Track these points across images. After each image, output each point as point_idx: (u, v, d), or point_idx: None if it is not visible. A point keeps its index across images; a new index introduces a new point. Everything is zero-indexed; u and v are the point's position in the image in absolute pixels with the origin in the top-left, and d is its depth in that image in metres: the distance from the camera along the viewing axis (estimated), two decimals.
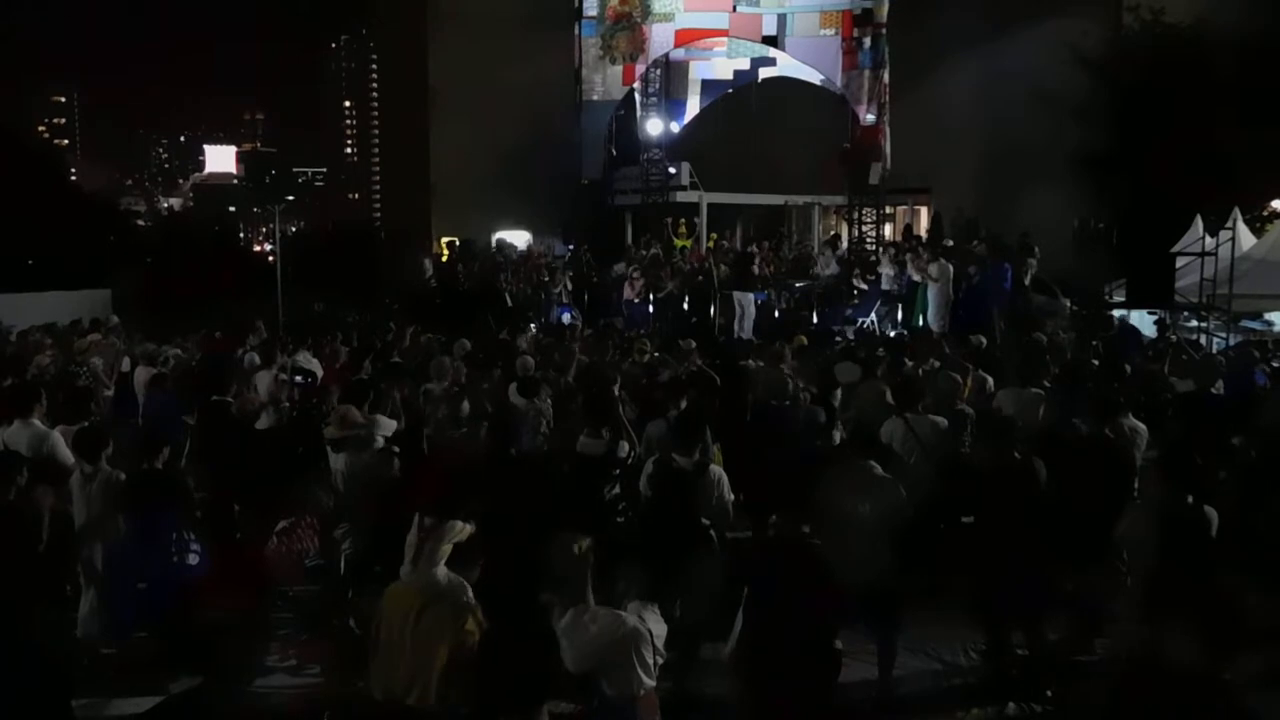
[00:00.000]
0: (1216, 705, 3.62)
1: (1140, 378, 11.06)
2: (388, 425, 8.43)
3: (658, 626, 4.98)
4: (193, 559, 6.87)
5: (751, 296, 20.67)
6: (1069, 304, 18.91)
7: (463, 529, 5.12)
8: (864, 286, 21.38)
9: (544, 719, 3.70)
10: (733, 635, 5.67)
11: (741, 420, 9.10)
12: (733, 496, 7.07)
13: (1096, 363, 12.18)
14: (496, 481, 7.06)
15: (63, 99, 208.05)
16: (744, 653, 5.59)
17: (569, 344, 13.99)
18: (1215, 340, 15.26)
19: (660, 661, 5.00)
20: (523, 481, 7.19)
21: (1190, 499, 6.09)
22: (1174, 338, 14.89)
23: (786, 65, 28.26)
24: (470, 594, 5.07)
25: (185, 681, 6.99)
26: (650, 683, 4.93)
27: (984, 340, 13.79)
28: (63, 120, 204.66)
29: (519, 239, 29.17)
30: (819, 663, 5.56)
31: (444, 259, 27.97)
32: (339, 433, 8.08)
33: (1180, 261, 15.65)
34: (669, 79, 30.29)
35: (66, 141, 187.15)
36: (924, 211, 30.65)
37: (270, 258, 35.17)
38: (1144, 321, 16.17)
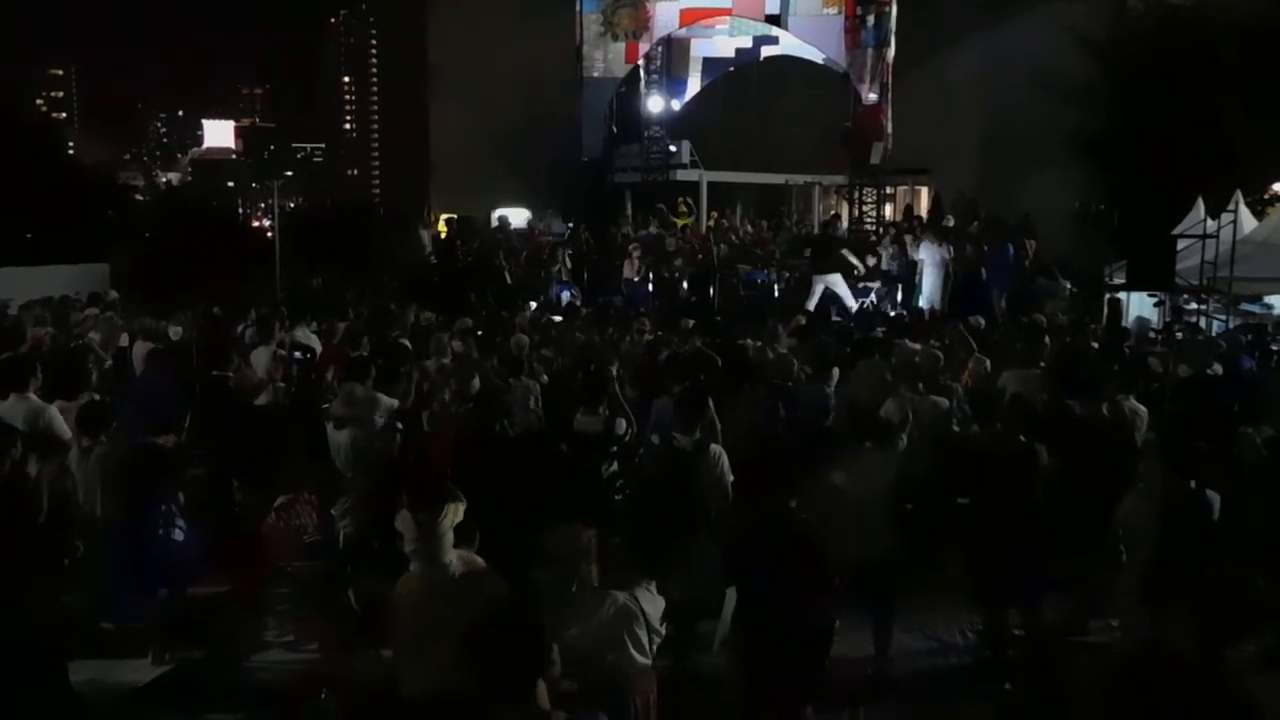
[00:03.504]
0: (1215, 691, 3.62)
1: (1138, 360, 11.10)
2: (388, 404, 8.44)
3: (651, 604, 4.98)
4: (177, 534, 6.87)
5: (839, 277, 19.17)
6: (1068, 286, 18.89)
7: (457, 509, 5.10)
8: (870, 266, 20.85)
9: (541, 696, 3.70)
10: (724, 614, 5.68)
11: (741, 400, 9.09)
12: (733, 477, 7.08)
13: (1095, 345, 12.20)
14: (493, 459, 7.05)
15: (61, 73, 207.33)
16: (738, 631, 5.60)
17: (569, 323, 14.02)
18: (1215, 323, 15.25)
19: (657, 640, 5.01)
20: (521, 459, 7.19)
21: (1192, 484, 6.07)
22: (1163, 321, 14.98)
23: (789, 44, 28.14)
24: (484, 566, 5.06)
25: (184, 656, 7.04)
26: (644, 661, 4.93)
27: (982, 321, 13.80)
28: (61, 94, 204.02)
29: (518, 216, 29.08)
30: (812, 641, 5.57)
31: (443, 236, 27.90)
32: (345, 410, 8.08)
33: (1181, 244, 15.57)
34: (670, 57, 30.16)
35: (65, 115, 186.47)
36: (924, 192, 30.59)
37: (269, 233, 35.15)
38: (1144, 304, 16.15)
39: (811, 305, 18.63)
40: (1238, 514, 6.26)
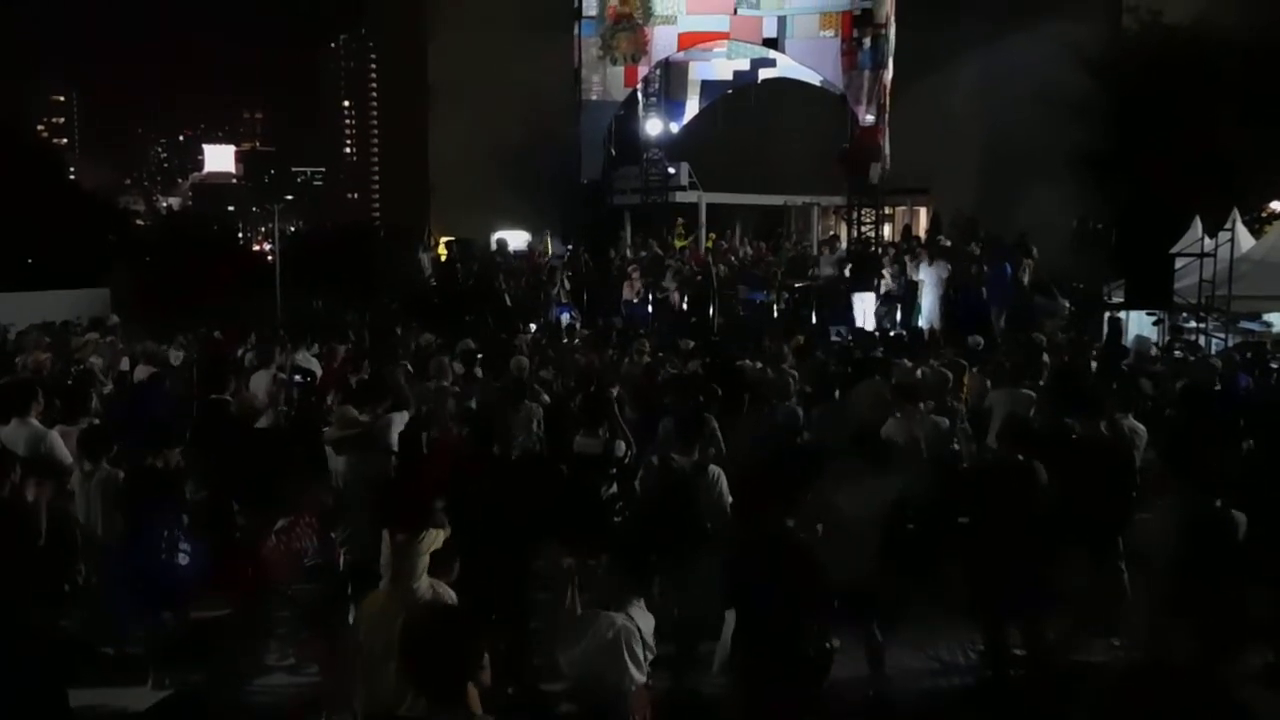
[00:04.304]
0: (1225, 708, 3.61)
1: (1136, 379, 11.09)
2: (400, 420, 8.47)
3: (644, 620, 4.98)
4: (182, 558, 6.87)
5: (871, 296, 20.39)
6: (1067, 304, 18.93)
7: (436, 536, 5.10)
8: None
9: (472, 700, 3.68)
10: (724, 633, 5.67)
11: (739, 420, 9.09)
12: (731, 498, 7.08)
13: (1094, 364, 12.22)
14: (491, 481, 7.06)
15: (62, 98, 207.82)
16: (737, 650, 5.59)
17: (568, 345, 14.02)
18: (1214, 341, 15.26)
19: (650, 656, 5.00)
20: (519, 480, 7.19)
21: (1218, 502, 6.00)
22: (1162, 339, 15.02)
23: (786, 65, 28.26)
24: (454, 598, 5.07)
25: (185, 679, 7.02)
26: (641, 678, 4.93)
27: (981, 340, 13.82)
28: (62, 119, 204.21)
29: (518, 238, 29.16)
30: (809, 660, 5.56)
31: (443, 259, 27.98)
32: (339, 433, 8.09)
33: (1179, 262, 15.64)
34: (668, 79, 30.29)
35: (66, 140, 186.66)
36: (923, 212, 30.66)
37: (269, 257, 35.20)
38: (1143, 323, 16.19)
39: (859, 319, 19.59)
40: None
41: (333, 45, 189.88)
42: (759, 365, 11.49)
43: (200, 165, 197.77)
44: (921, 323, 19.10)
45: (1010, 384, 9.95)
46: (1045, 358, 11.86)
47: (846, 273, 21.59)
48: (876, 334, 17.70)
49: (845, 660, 6.28)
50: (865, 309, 20.33)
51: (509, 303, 22.20)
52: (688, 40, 28.47)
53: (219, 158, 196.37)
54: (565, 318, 21.39)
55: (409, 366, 11.66)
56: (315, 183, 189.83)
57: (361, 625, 5.05)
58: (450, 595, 5.08)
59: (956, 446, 9.02)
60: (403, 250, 28.43)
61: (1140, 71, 25.01)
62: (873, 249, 24.45)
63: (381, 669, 4.87)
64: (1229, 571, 5.50)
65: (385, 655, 4.86)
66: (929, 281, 19.56)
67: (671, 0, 28.02)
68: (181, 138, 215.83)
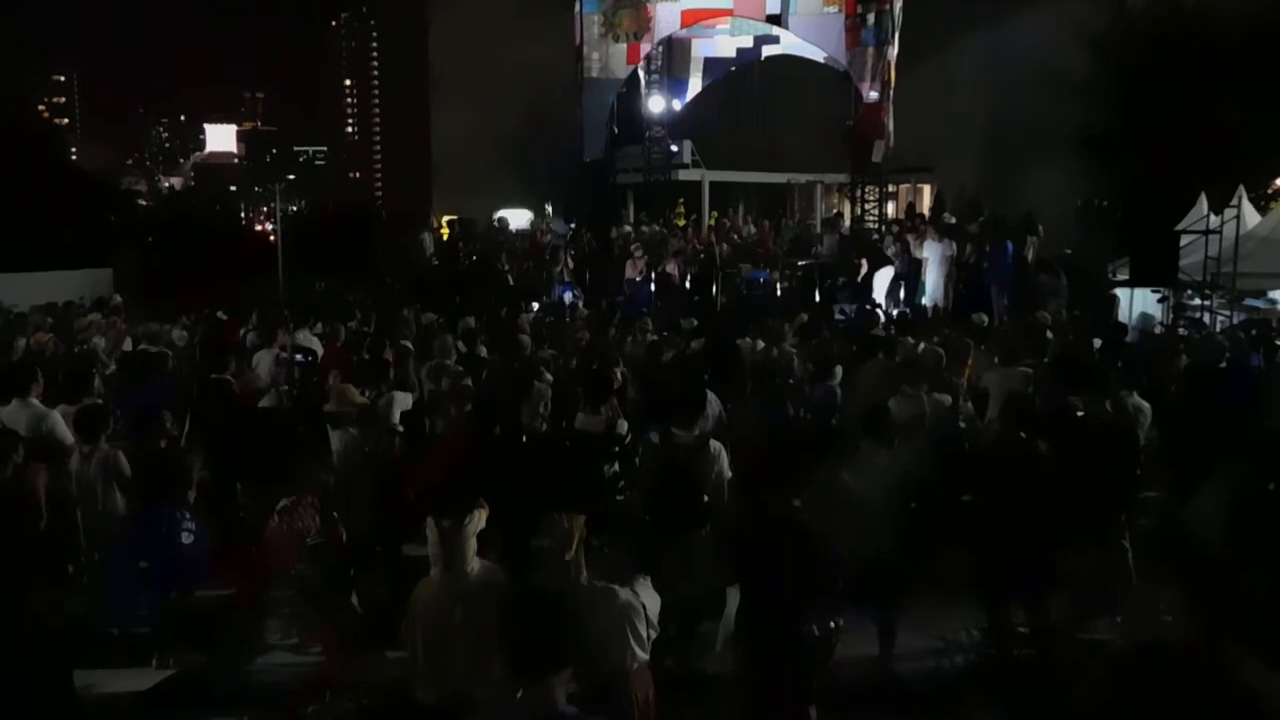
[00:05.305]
0: (1231, 687, 3.58)
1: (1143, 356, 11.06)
2: (403, 400, 8.45)
3: (650, 599, 4.96)
4: (186, 538, 6.85)
5: (891, 270, 20.46)
6: (1065, 282, 18.88)
7: (481, 516, 5.07)
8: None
9: (560, 690, 3.67)
10: (726, 614, 5.66)
11: (740, 398, 9.07)
12: (730, 475, 7.06)
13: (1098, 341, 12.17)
14: (495, 461, 7.04)
15: (63, 78, 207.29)
16: (741, 632, 5.58)
17: (571, 324, 13.98)
18: (1219, 319, 15.22)
19: (653, 635, 4.98)
20: (523, 460, 7.17)
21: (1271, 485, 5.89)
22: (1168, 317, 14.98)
23: (790, 43, 28.10)
24: (506, 579, 5.04)
25: (187, 660, 7.03)
26: (643, 655, 4.91)
27: (985, 318, 13.77)
28: (63, 100, 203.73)
29: (520, 217, 29.10)
30: (815, 642, 5.55)
31: (444, 238, 27.94)
32: (335, 410, 8.09)
33: (1184, 240, 15.58)
34: (671, 57, 30.13)
35: (67, 121, 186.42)
36: (927, 190, 30.56)
37: (271, 237, 35.14)
38: (1148, 300, 16.13)
39: (880, 294, 19.63)
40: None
41: (334, 24, 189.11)
42: (760, 344, 11.45)
43: (202, 145, 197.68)
44: (925, 301, 19.05)
45: (1004, 364, 9.89)
46: (1049, 335, 11.81)
47: (864, 264, 21.55)
48: (881, 312, 17.64)
49: (850, 639, 6.26)
50: (883, 286, 20.29)
51: (511, 282, 22.16)
52: (690, 17, 28.30)
53: (220, 137, 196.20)
54: (568, 296, 21.35)
55: (410, 346, 11.63)
56: (317, 162, 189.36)
57: (416, 613, 4.98)
58: (501, 573, 5.06)
59: (962, 424, 9.01)
60: (405, 230, 28.38)
61: (1145, 49, 24.84)
62: (869, 227, 24.40)
63: (444, 654, 4.84)
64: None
65: (446, 641, 4.83)
66: (933, 259, 19.49)
67: None
68: (183, 117, 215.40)
